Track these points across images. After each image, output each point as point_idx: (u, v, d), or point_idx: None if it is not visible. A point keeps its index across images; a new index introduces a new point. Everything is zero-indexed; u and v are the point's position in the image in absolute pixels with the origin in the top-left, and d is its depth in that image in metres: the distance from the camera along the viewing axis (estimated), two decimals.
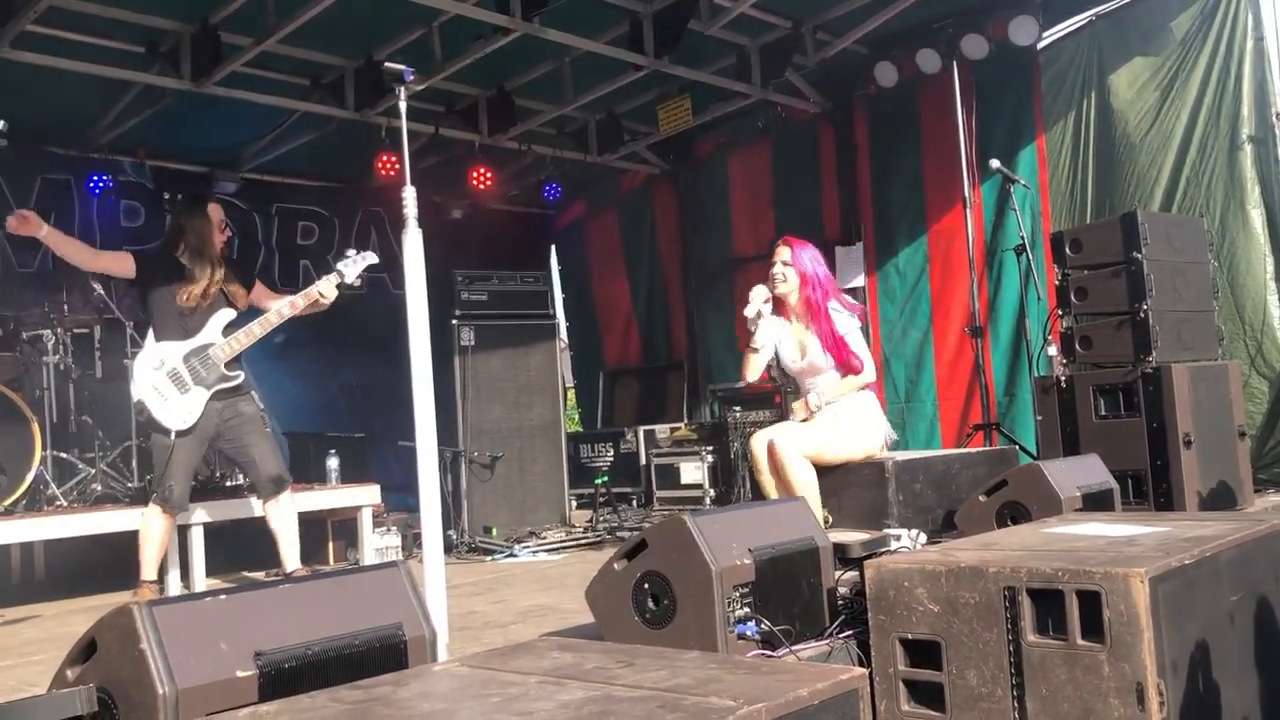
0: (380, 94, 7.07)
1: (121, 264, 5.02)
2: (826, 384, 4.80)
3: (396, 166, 7.72)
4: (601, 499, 7.34)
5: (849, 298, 5.01)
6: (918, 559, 2.57)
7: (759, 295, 4.81)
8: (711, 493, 7.64)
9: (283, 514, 5.11)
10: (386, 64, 3.09)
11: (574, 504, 7.76)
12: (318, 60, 7.09)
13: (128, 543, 5.15)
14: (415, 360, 3.01)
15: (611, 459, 8.69)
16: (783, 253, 4.88)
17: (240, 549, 5.92)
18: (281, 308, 5.02)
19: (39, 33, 5.84)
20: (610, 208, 10.17)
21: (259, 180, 8.71)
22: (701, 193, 9.39)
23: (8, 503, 5.30)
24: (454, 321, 6.88)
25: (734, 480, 7.36)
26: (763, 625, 2.73)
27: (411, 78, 3.10)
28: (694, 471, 7.84)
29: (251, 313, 5.14)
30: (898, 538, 3.85)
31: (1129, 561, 2.27)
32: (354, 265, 5.06)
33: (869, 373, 4.79)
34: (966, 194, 6.74)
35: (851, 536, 3.83)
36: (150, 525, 4.98)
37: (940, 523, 4.63)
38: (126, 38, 6.42)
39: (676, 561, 2.72)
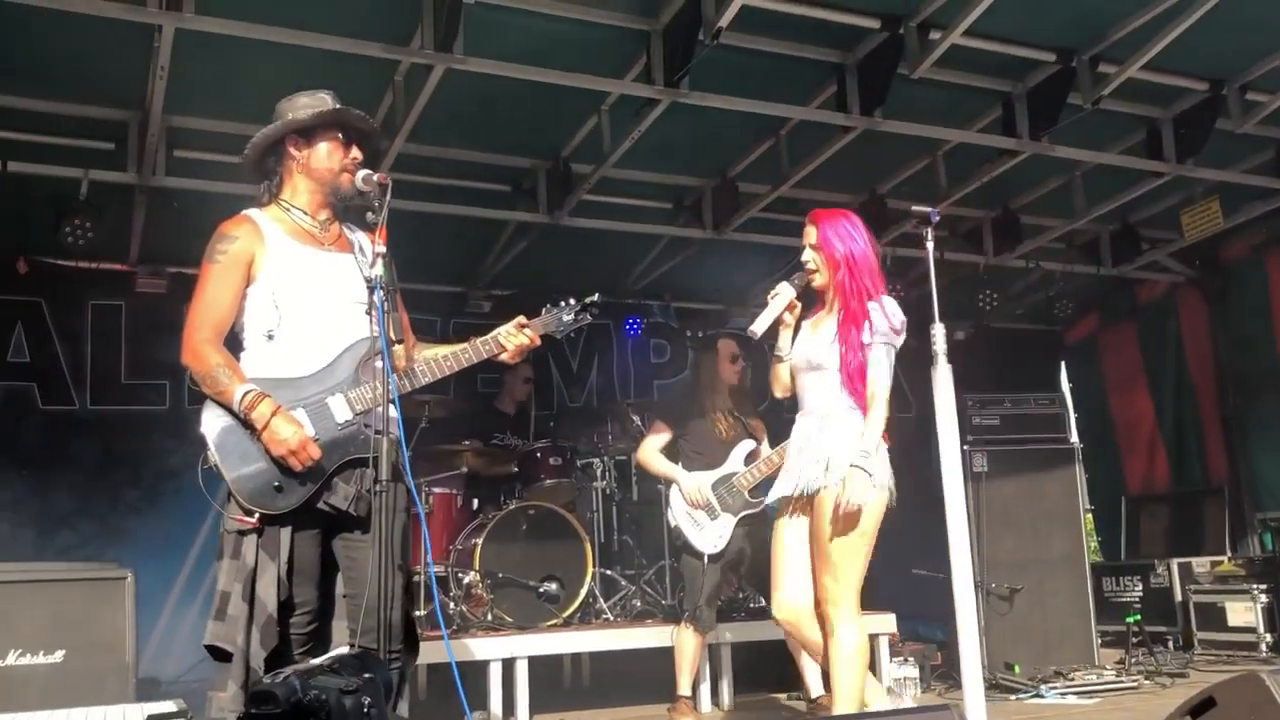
0: (884, 226, 7.26)
1: (665, 436, 5.53)
2: (836, 434, 3.69)
3: (901, 294, 7.83)
4: (1134, 639, 6.74)
5: (892, 306, 3.74)
6: None
7: (779, 300, 3.86)
8: (1268, 638, 6.73)
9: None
10: (913, 207, 3.20)
11: (1099, 642, 7.18)
12: (823, 199, 7.43)
13: (661, 657, 5.55)
14: (949, 496, 3.01)
15: (1140, 594, 7.97)
16: (808, 234, 3.95)
17: (763, 670, 6.13)
18: None
19: (590, 200, 6.73)
20: (1127, 321, 9.52)
21: None
22: (1235, 299, 8.52)
23: (565, 615, 5.93)
24: (965, 447, 6.74)
25: None
26: None
27: (937, 219, 3.18)
28: (1244, 613, 6.97)
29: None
30: None
31: None
32: None
33: (880, 408, 3.64)
34: None
35: None
36: (684, 643, 5.35)
37: None
38: (658, 196, 7.20)
39: None
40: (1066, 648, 6.59)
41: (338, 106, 3.22)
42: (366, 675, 2.39)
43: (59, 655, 4.64)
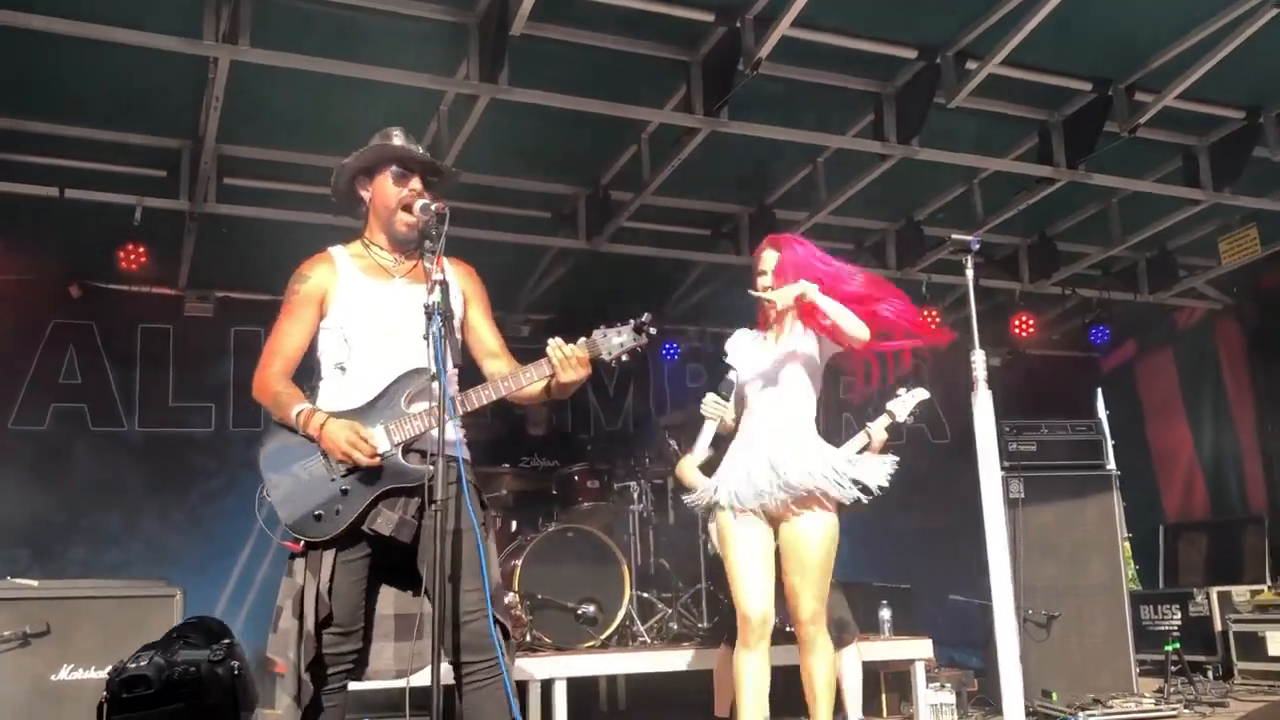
0: (920, 252, 7.33)
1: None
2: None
3: (937, 321, 7.86)
4: (1173, 667, 6.69)
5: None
6: None
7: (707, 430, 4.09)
8: None
9: (848, 663, 5.27)
10: (953, 235, 3.25)
11: (1138, 670, 7.13)
12: (862, 226, 7.51)
13: (697, 680, 5.58)
14: (989, 523, 3.05)
15: (1179, 623, 7.90)
16: (765, 259, 3.89)
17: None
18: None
19: (629, 227, 6.82)
20: (1164, 348, 9.48)
21: None
22: (1274, 326, 8.48)
23: (603, 637, 5.97)
24: (1002, 474, 6.74)
25: None
26: None
27: (978, 247, 3.22)
28: None
29: None
30: None
31: None
32: (904, 403, 5.14)
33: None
34: None
35: None
36: (721, 666, 5.37)
37: None
38: (696, 223, 7.29)
39: None
40: (1105, 675, 6.56)
41: (394, 143, 3.22)
42: (227, 641, 2.44)
43: (109, 671, 4.74)
